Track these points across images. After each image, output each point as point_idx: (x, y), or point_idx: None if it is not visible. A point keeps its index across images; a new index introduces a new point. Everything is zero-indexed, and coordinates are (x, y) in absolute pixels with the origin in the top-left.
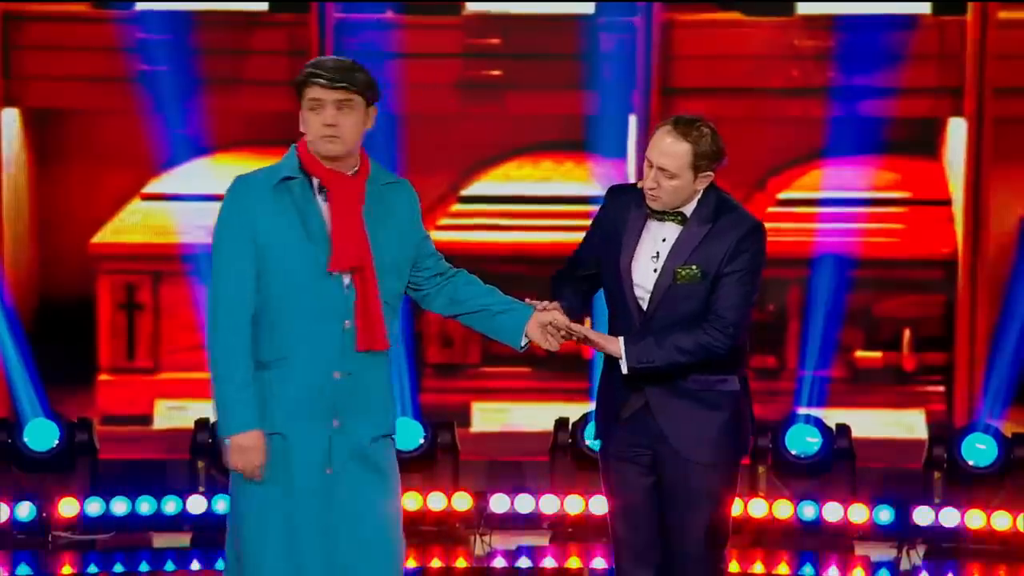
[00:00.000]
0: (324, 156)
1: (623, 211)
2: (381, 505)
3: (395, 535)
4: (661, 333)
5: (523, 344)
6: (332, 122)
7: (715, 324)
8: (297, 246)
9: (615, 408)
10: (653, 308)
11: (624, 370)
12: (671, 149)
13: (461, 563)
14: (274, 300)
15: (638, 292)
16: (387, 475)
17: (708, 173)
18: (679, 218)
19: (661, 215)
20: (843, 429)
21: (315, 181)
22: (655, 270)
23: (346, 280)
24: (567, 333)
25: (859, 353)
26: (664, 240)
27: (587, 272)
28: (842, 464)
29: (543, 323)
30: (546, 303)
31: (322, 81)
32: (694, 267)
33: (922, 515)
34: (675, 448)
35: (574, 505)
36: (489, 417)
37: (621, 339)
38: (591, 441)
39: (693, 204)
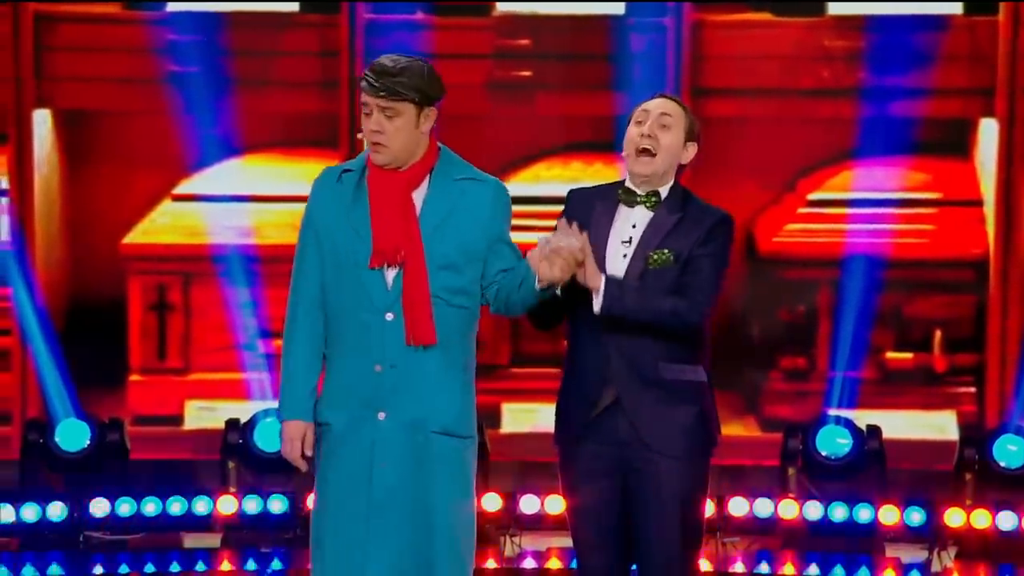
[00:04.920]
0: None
1: (586, 208)
2: (443, 504)
3: (457, 537)
4: (639, 287)
5: (539, 286)
6: (377, 128)
7: (690, 297)
8: (341, 239)
9: (584, 409)
10: None
11: (595, 308)
12: (669, 105)
13: (491, 564)
14: (327, 292)
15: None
16: (450, 473)
17: (694, 144)
18: (652, 201)
19: (633, 198)
20: (874, 430)
21: None
22: (625, 255)
23: (391, 273)
24: (570, 257)
25: (890, 354)
26: (635, 226)
27: None
28: (873, 465)
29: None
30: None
31: (366, 85)
32: (667, 251)
33: (953, 516)
34: (646, 443)
35: None
36: (519, 418)
37: (603, 276)
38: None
39: (666, 190)
